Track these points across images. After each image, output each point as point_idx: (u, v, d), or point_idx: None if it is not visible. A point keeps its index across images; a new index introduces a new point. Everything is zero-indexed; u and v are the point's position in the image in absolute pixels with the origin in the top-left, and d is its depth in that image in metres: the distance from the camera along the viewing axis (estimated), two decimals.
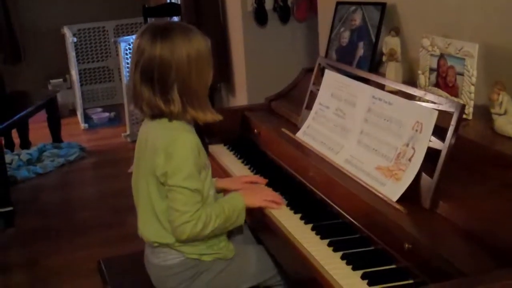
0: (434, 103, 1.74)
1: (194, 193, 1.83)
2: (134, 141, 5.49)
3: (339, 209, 1.88)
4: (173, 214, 1.84)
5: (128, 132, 5.67)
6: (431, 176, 1.66)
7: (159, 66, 1.80)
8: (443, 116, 1.70)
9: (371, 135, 1.94)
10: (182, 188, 1.81)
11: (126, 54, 5.51)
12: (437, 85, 2.12)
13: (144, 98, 1.83)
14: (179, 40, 1.82)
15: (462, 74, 2.00)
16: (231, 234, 2.07)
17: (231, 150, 2.60)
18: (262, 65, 4.41)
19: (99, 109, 6.67)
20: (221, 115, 1.96)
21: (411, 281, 1.52)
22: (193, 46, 1.83)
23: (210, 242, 1.94)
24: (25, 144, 5.43)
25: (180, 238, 1.86)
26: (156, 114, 1.86)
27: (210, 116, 1.91)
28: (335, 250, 1.71)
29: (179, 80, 1.81)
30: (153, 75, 1.81)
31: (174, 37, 1.82)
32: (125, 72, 5.48)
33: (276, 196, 2.03)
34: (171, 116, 1.85)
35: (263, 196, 2.02)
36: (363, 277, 1.57)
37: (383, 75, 2.39)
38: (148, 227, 1.94)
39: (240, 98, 4.61)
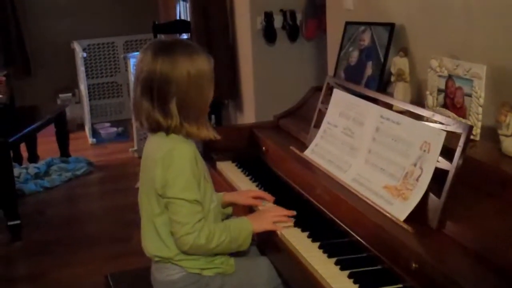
0: (442, 123, 1.76)
1: (192, 204, 1.85)
2: (141, 157, 5.53)
3: (346, 228, 1.89)
4: (174, 226, 1.86)
5: (135, 148, 5.69)
6: (438, 196, 1.68)
7: (158, 81, 1.83)
8: (451, 136, 1.72)
9: (379, 155, 1.95)
10: (180, 199, 1.84)
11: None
12: (445, 106, 2.14)
13: (143, 111, 1.87)
14: (180, 58, 1.85)
15: (470, 96, 2.01)
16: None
17: (239, 167, 2.61)
18: (270, 82, 4.43)
19: (107, 124, 6.69)
20: (219, 135, 1.98)
21: None
22: (195, 65, 1.86)
23: (210, 257, 1.95)
24: (33, 158, 5.44)
25: (183, 249, 1.88)
26: (155, 128, 1.89)
27: (205, 133, 1.92)
28: (342, 269, 1.71)
29: (178, 95, 1.84)
30: (152, 88, 1.84)
31: (176, 55, 1.85)
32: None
33: (281, 212, 2.04)
34: (168, 130, 1.87)
35: (270, 218, 2.02)
36: None
37: (391, 95, 2.41)
38: (149, 242, 1.97)
39: (248, 115, 4.63)
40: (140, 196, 2.00)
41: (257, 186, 2.40)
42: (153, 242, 1.95)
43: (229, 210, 2.16)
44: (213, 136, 1.95)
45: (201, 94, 1.89)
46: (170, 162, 1.84)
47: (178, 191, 1.83)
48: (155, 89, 1.84)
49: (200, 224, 1.85)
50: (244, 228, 1.96)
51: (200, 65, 1.88)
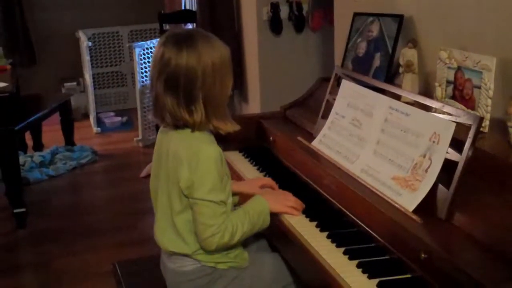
0: (452, 115, 1.76)
1: (219, 205, 1.84)
2: (146, 146, 5.56)
3: (354, 218, 1.90)
4: (199, 227, 1.85)
5: (140, 137, 5.69)
6: (447, 187, 1.68)
7: (185, 75, 1.80)
8: (460, 128, 1.72)
9: (387, 145, 1.95)
10: (207, 201, 1.82)
11: (141, 59, 5.54)
12: (453, 97, 2.14)
13: (167, 108, 1.83)
14: (204, 48, 1.82)
15: (479, 87, 2.01)
16: (246, 242, 2.09)
17: (246, 157, 2.62)
18: (275, 73, 4.43)
19: (112, 114, 6.70)
20: (238, 125, 1.96)
21: None
22: (217, 54, 1.84)
23: (225, 251, 1.95)
24: (38, 146, 5.46)
25: (209, 249, 1.88)
26: (180, 125, 1.86)
27: (231, 126, 1.92)
28: (351, 259, 1.72)
29: (204, 89, 1.81)
30: (178, 84, 1.81)
31: (199, 45, 1.82)
32: (138, 77, 5.51)
33: (297, 201, 2.05)
34: (194, 127, 1.85)
35: (285, 202, 2.04)
36: (378, 285, 1.58)
37: (398, 86, 2.41)
38: (166, 237, 1.95)
39: (253, 106, 4.64)
40: (154, 190, 1.98)
41: (264, 176, 2.40)
42: (170, 238, 1.94)
43: (235, 199, 2.17)
44: (236, 128, 1.94)
45: (224, 84, 1.87)
46: (196, 164, 1.81)
47: (205, 193, 1.82)
48: (181, 86, 1.80)
49: (224, 224, 1.85)
50: (262, 211, 1.96)
51: (221, 53, 1.86)
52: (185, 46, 1.81)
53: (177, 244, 1.93)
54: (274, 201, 2.01)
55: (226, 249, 1.92)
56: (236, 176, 2.44)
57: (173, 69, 1.80)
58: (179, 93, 1.81)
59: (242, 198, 2.19)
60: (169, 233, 1.94)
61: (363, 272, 1.65)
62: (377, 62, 2.61)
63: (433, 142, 1.76)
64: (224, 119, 1.90)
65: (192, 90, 1.81)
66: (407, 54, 2.40)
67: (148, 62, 5.50)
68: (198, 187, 1.82)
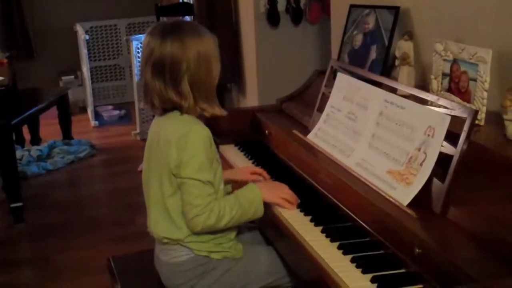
0: (447, 108, 1.75)
1: (206, 185, 1.85)
2: (144, 140, 5.49)
3: (349, 212, 1.89)
4: (185, 207, 1.87)
5: (138, 130, 5.69)
6: (442, 181, 1.67)
7: (170, 64, 1.85)
8: (455, 121, 1.71)
9: (382, 139, 1.94)
10: (194, 180, 1.84)
11: (138, 52, 5.52)
12: (449, 90, 2.12)
13: (155, 91, 1.87)
14: (189, 39, 1.86)
15: (475, 80, 2.00)
16: (240, 234, 2.08)
17: (241, 151, 2.61)
18: (273, 66, 4.41)
19: (110, 107, 6.69)
20: (226, 111, 2.01)
21: (420, 286, 1.52)
22: (203, 44, 1.88)
23: (219, 240, 1.96)
24: (36, 140, 5.44)
25: (195, 230, 1.89)
26: (168, 107, 1.90)
27: (218, 110, 1.96)
28: (345, 253, 1.71)
29: (189, 74, 1.86)
30: (164, 69, 1.85)
31: (184, 36, 1.86)
32: (136, 71, 5.50)
33: (292, 195, 2.04)
34: (182, 109, 1.89)
35: (280, 193, 2.03)
36: (372, 280, 1.57)
37: (395, 79, 2.40)
38: (159, 224, 1.96)
39: (251, 99, 4.62)
40: (146, 179, 2.00)
41: None
42: (163, 224, 1.95)
43: (229, 188, 2.16)
44: (223, 113, 1.99)
45: (211, 72, 1.91)
46: (185, 143, 1.85)
47: (193, 172, 1.84)
48: (167, 70, 1.85)
49: (210, 205, 1.86)
50: (254, 199, 1.96)
51: (208, 44, 1.90)
52: (169, 36, 1.86)
53: (170, 229, 1.93)
54: (268, 191, 2.01)
55: (215, 232, 1.92)
56: (230, 169, 2.43)
57: (158, 57, 1.86)
58: (165, 76, 1.86)
59: (237, 186, 2.18)
60: (162, 219, 1.95)
61: (357, 267, 1.64)
62: (373, 54, 2.60)
63: (428, 135, 1.75)
64: (211, 102, 1.93)
65: (177, 74, 1.86)
66: (403, 47, 2.38)
67: None
68: (186, 165, 1.84)
